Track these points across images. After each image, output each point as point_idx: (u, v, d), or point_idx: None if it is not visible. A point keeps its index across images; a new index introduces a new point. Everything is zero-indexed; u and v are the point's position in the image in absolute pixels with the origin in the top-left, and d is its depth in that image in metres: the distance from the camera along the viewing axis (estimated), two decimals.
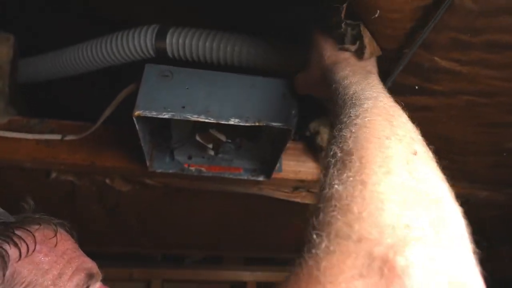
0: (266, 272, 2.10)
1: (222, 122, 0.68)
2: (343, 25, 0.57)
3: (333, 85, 0.47)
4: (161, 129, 0.84)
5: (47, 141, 0.86)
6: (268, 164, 0.91)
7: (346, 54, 0.56)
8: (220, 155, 0.89)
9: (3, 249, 0.36)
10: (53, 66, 0.98)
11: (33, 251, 0.38)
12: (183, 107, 0.67)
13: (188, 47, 0.84)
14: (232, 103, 0.70)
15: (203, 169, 0.89)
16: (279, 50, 0.81)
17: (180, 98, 0.69)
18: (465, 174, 0.92)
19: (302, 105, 0.79)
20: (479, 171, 0.89)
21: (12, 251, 0.36)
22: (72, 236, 0.45)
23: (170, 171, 0.87)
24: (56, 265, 0.39)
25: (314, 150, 0.96)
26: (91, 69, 0.97)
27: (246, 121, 0.68)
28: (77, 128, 0.89)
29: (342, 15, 0.56)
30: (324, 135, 0.91)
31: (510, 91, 0.64)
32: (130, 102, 0.82)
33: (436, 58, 0.62)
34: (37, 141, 0.85)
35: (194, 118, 0.67)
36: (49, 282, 0.38)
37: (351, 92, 0.42)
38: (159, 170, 0.86)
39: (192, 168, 0.89)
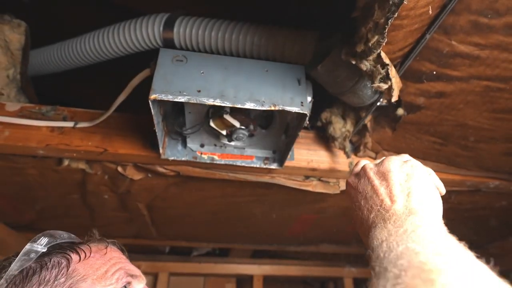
0: (273, 266, 2.11)
1: (238, 106, 0.67)
2: (376, 66, 0.59)
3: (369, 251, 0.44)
4: (174, 116, 0.84)
5: (60, 128, 0.86)
6: (280, 152, 0.91)
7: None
8: (232, 143, 0.88)
9: (68, 255, 0.53)
10: (60, 57, 0.98)
11: (89, 257, 0.54)
12: (199, 91, 0.67)
13: (195, 37, 0.84)
14: (247, 88, 0.70)
15: (215, 156, 0.89)
16: (292, 38, 0.80)
17: (195, 82, 0.69)
18: (478, 162, 0.92)
19: (314, 95, 0.79)
20: (491, 159, 0.89)
21: (74, 256, 0.53)
22: (122, 251, 0.61)
23: (183, 158, 0.87)
24: (104, 266, 0.53)
25: (326, 140, 0.96)
26: (97, 60, 0.97)
27: (262, 105, 0.68)
28: (89, 116, 0.89)
29: (384, 59, 0.57)
30: (336, 125, 0.91)
31: None
32: (143, 90, 0.83)
33: (454, 43, 0.62)
34: (50, 128, 0.85)
35: (210, 102, 0.67)
36: (97, 276, 0.52)
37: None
38: (172, 158, 0.86)
39: (205, 156, 0.89)
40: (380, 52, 0.57)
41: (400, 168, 0.53)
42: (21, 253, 0.52)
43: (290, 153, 0.89)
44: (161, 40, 0.89)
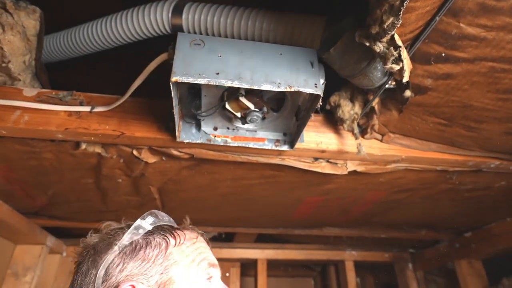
0: (277, 250, 2.17)
1: (255, 88, 0.70)
2: (389, 48, 0.62)
3: None
4: (189, 100, 0.86)
5: (77, 112, 0.88)
6: (291, 134, 0.94)
7: None
8: (245, 126, 0.91)
9: (168, 238, 0.58)
10: (73, 43, 0.99)
11: (182, 243, 0.59)
12: (217, 73, 0.70)
13: (203, 23, 0.86)
14: (263, 70, 0.73)
15: (228, 139, 0.92)
16: (300, 23, 0.83)
17: (214, 65, 0.71)
18: (480, 142, 0.96)
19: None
20: (493, 139, 0.93)
21: (171, 240, 0.58)
22: (207, 243, 0.65)
23: (198, 141, 0.90)
24: (192, 254, 0.58)
25: (334, 123, 0.99)
26: (105, 47, 0.99)
27: (278, 87, 0.71)
28: (105, 100, 0.92)
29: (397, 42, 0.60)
30: (344, 108, 0.94)
31: None
32: (159, 75, 0.85)
33: (462, 25, 0.65)
34: (68, 113, 0.88)
35: (228, 84, 0.69)
36: (187, 263, 0.57)
37: None
38: (187, 141, 0.89)
39: (218, 139, 0.92)
40: (394, 34, 0.60)
41: None
42: (132, 226, 0.57)
43: (301, 135, 0.93)
44: (169, 26, 0.91)
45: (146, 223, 0.59)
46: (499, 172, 1.11)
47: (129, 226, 0.58)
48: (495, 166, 1.05)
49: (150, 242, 0.56)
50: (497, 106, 0.81)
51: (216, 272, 0.60)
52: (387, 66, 0.64)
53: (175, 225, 0.64)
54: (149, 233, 0.58)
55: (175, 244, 0.57)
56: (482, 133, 0.92)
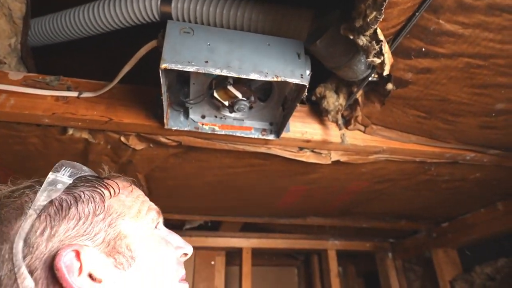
0: (261, 239, 2.21)
1: (243, 77, 0.72)
2: (371, 41, 0.65)
3: None
4: (178, 87, 0.88)
5: (64, 97, 0.88)
6: (277, 124, 0.97)
7: None
8: (232, 115, 0.93)
9: (101, 189, 0.50)
10: (59, 28, 0.98)
11: (118, 193, 0.51)
12: (206, 61, 0.71)
13: (193, 11, 0.87)
14: (251, 60, 0.75)
15: (216, 127, 0.94)
16: (289, 15, 0.85)
17: (203, 53, 0.73)
18: (456, 135, 1.00)
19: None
20: (468, 132, 0.98)
21: (105, 191, 0.50)
22: (142, 189, 0.58)
23: (185, 128, 0.92)
24: (135, 204, 0.52)
25: (319, 114, 1.02)
26: (93, 33, 0.98)
27: (266, 76, 0.73)
28: (92, 86, 0.92)
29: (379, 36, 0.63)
30: (329, 99, 0.97)
31: (505, 53, 0.71)
32: (148, 61, 0.86)
33: (441, 21, 0.68)
34: (55, 98, 0.88)
35: (217, 72, 0.71)
36: (133, 214, 0.51)
37: None
38: (175, 128, 0.91)
39: (206, 126, 0.93)
40: (376, 28, 0.63)
41: None
42: (45, 182, 0.47)
43: (286, 125, 0.95)
44: (158, 14, 0.92)
45: (62, 176, 0.49)
46: (474, 164, 1.16)
47: (39, 183, 0.48)
48: (470, 158, 1.11)
49: (80, 197, 0.47)
50: (472, 100, 0.86)
51: (161, 219, 0.56)
52: (369, 59, 0.67)
53: (100, 176, 0.55)
54: (71, 187, 0.48)
55: (111, 195, 0.50)
56: (458, 126, 0.96)
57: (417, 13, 0.66)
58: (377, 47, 0.66)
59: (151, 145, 1.00)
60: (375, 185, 1.36)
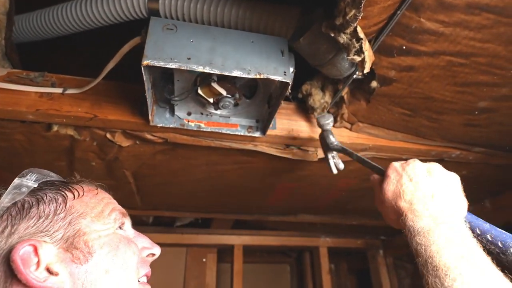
0: (253, 236, 2.22)
1: (226, 74, 0.72)
2: (352, 39, 0.65)
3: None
4: (162, 84, 0.87)
5: (49, 94, 0.88)
6: (263, 121, 0.97)
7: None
8: (218, 112, 0.93)
9: (64, 192, 0.53)
10: (41, 25, 0.98)
11: (82, 195, 0.54)
12: (189, 58, 0.71)
13: (180, 8, 0.87)
14: (234, 57, 0.75)
15: (202, 124, 0.94)
16: (275, 13, 0.85)
17: (186, 50, 0.73)
18: (441, 132, 1.01)
19: (295, 67, 0.84)
20: (453, 130, 0.99)
21: (69, 194, 0.53)
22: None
23: (171, 125, 0.92)
24: (98, 205, 0.55)
25: (306, 111, 1.03)
26: (80, 30, 0.98)
27: (248, 73, 0.73)
28: (77, 82, 0.91)
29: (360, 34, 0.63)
30: (315, 97, 0.97)
31: (485, 52, 0.72)
32: (132, 58, 0.85)
33: (422, 20, 0.68)
34: (39, 94, 0.87)
35: (200, 69, 0.71)
36: (95, 214, 0.53)
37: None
38: (160, 125, 0.91)
39: (192, 124, 0.93)
40: (356, 26, 0.63)
41: (428, 173, 0.61)
42: (10, 186, 0.51)
43: (272, 122, 0.95)
44: (146, 10, 0.91)
45: (28, 180, 0.52)
46: (460, 162, 1.17)
47: (5, 188, 0.51)
48: (455, 156, 1.12)
49: (42, 198, 0.50)
50: (456, 98, 0.87)
51: (128, 221, 0.57)
52: (349, 57, 0.67)
53: (67, 180, 0.58)
54: (35, 190, 0.52)
55: (75, 197, 0.53)
56: (443, 124, 0.97)
57: (398, 11, 0.66)
58: (357, 45, 0.67)
59: (137, 142, 0.99)
60: (363, 183, 1.37)
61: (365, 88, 0.91)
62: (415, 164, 0.63)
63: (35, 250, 0.45)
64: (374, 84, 0.86)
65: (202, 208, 1.66)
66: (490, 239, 0.55)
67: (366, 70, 0.69)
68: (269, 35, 0.81)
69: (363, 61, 0.67)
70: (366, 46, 0.66)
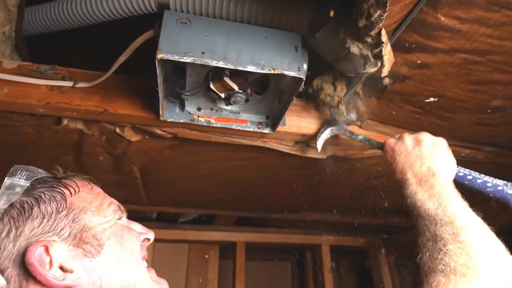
0: (256, 233, 2.22)
1: (240, 69, 0.71)
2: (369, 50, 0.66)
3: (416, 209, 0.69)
4: (173, 79, 0.87)
5: (59, 87, 0.87)
6: (273, 117, 0.96)
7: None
8: (228, 108, 0.93)
9: (61, 189, 0.53)
10: (55, 17, 0.97)
11: (78, 191, 0.54)
12: (203, 52, 0.71)
13: (191, 3, 0.86)
14: (249, 52, 0.74)
15: (212, 120, 0.93)
16: (288, 8, 0.84)
17: (200, 44, 0.72)
18: (451, 131, 1.01)
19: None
20: (464, 128, 0.98)
21: (65, 191, 0.53)
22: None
23: (181, 120, 0.91)
24: (96, 199, 0.55)
25: (315, 107, 1.02)
26: (89, 23, 0.97)
27: (263, 69, 0.72)
28: (88, 76, 0.91)
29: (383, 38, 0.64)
30: (327, 91, 0.96)
31: (502, 50, 0.71)
32: (143, 52, 0.85)
33: (439, 16, 0.68)
34: (50, 87, 0.86)
35: (214, 63, 0.70)
36: (94, 208, 0.54)
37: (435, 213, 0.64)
38: (170, 120, 0.90)
39: (202, 119, 0.93)
40: (381, 28, 0.62)
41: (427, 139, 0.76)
42: (2, 187, 0.50)
43: (283, 118, 0.95)
44: (156, 5, 0.91)
45: (19, 179, 0.51)
46: (468, 161, 1.17)
47: None
48: (465, 155, 1.11)
49: (41, 197, 0.50)
50: (468, 97, 0.86)
51: (124, 214, 0.58)
52: (364, 71, 0.67)
53: (57, 176, 0.57)
54: (29, 189, 0.51)
55: (72, 194, 0.53)
56: (454, 122, 0.97)
57: (417, 6, 0.66)
58: (372, 57, 0.67)
59: (146, 136, 0.99)
60: (370, 181, 1.36)
61: (377, 85, 0.90)
62: (404, 137, 0.78)
63: (46, 250, 0.46)
64: (386, 81, 0.86)
65: (207, 204, 1.66)
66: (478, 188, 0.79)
67: (384, 74, 0.69)
68: (282, 30, 0.80)
69: (381, 67, 0.67)
70: (387, 49, 0.65)
